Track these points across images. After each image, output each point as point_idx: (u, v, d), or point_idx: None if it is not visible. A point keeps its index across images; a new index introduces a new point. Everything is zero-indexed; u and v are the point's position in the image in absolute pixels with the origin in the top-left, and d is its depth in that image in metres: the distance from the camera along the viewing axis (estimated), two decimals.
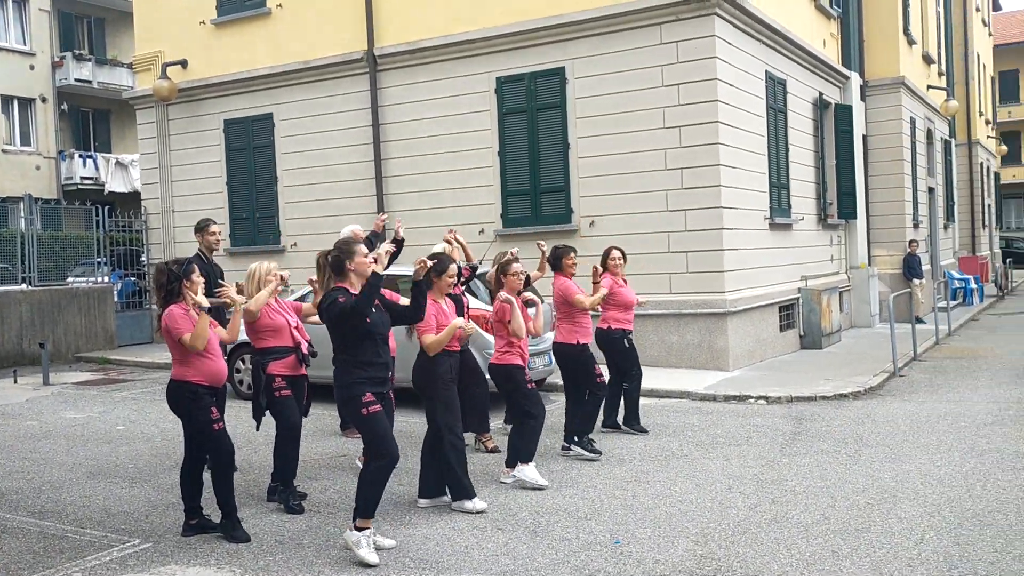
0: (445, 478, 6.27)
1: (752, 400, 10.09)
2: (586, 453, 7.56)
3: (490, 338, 7.95)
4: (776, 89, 13.93)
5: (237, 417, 9.59)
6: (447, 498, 6.30)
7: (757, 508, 6.05)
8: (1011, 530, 5.41)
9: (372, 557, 5.15)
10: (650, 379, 10.92)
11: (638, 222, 12.21)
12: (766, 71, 13.50)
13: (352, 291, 5.30)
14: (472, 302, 8.61)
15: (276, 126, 15.24)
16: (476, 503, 6.16)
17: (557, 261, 7.87)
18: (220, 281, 7.24)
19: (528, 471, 6.77)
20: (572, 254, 7.90)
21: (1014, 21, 48.97)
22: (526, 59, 12.95)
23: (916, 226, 19.81)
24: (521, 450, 6.83)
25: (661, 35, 12.01)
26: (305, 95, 14.90)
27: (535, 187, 12.97)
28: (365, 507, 5.31)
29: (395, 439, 5.41)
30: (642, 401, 9.79)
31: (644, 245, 11.90)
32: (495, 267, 7.11)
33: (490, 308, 7.59)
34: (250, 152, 15.57)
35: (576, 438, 7.64)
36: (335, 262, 5.42)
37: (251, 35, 15.50)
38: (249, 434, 8.36)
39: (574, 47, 12.61)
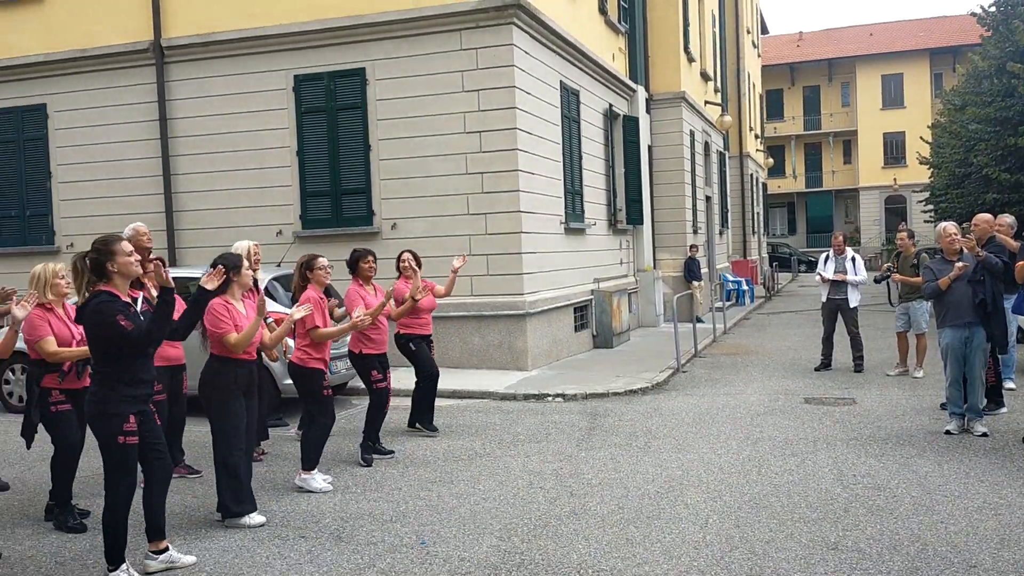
0: (218, 494, 5.98)
1: (550, 398, 10.44)
2: (361, 462, 7.46)
3: (290, 342, 7.77)
4: (570, 99, 14.49)
5: (6, 432, 8.82)
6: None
7: (557, 502, 6.27)
8: (783, 511, 5.92)
9: None
10: (453, 380, 11.07)
11: (440, 225, 12.32)
12: (561, 81, 14.02)
13: (118, 294, 4.84)
14: (271, 305, 8.35)
15: (50, 118, 14.09)
16: (253, 518, 5.92)
17: (353, 264, 7.76)
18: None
19: (311, 480, 6.69)
20: (370, 258, 7.76)
21: (779, 44, 53.68)
22: (325, 58, 12.73)
23: (695, 232, 21.26)
24: (303, 457, 6.74)
25: (461, 41, 12.18)
26: (84, 85, 13.89)
27: (335, 188, 12.78)
28: (156, 526, 5.05)
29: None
30: (447, 402, 9.90)
31: (445, 248, 12.01)
32: (299, 265, 6.98)
33: (289, 311, 7.41)
34: (20, 145, 14.31)
35: (362, 445, 7.59)
36: (95, 264, 4.84)
37: (21, 19, 14.24)
38: (22, 450, 7.68)
39: (375, 48, 12.53)
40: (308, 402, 6.87)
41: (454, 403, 10.23)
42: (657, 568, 4.94)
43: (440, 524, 5.83)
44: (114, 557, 4.87)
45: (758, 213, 35.47)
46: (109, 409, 4.79)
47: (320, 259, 6.93)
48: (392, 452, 7.78)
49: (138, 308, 4.97)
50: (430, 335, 8.65)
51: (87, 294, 4.87)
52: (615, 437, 8.33)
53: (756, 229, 34.37)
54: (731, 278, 24.31)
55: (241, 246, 7.39)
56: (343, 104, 12.68)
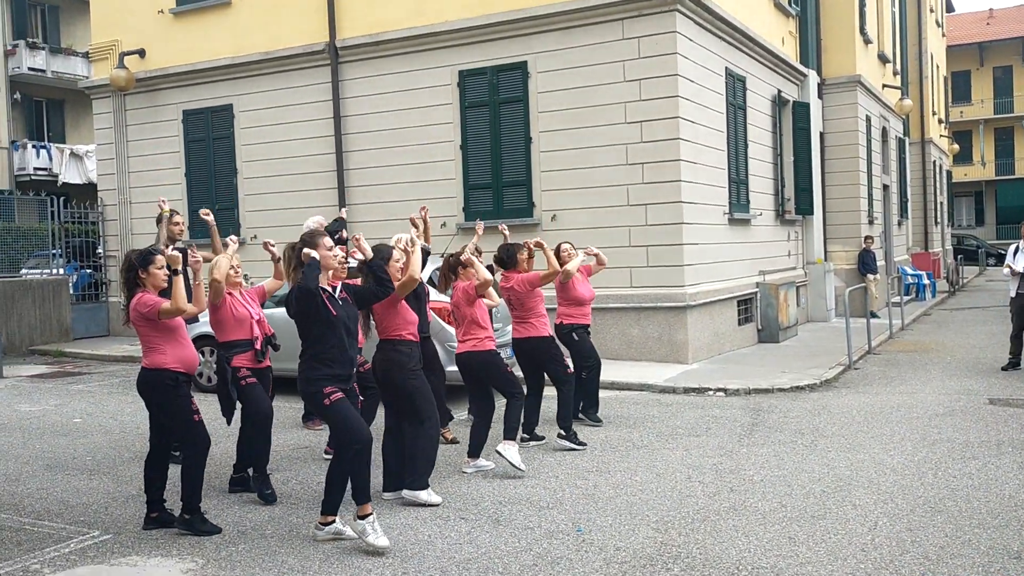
0: (409, 467, 6.23)
1: (711, 392, 10.23)
2: (571, 444, 7.62)
3: (451, 330, 7.98)
4: (736, 86, 14.10)
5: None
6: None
7: (716, 497, 6.15)
8: (960, 516, 5.57)
9: (382, 541, 5.17)
10: (611, 372, 11.03)
11: (599, 216, 12.30)
12: (726, 68, 13.66)
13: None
14: (432, 293, 8.60)
15: (236, 117, 15.09)
16: (432, 495, 6.16)
17: (511, 259, 7.82)
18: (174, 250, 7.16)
19: (511, 451, 6.85)
20: (525, 251, 7.90)
21: (967, 23, 50.06)
22: (488, 53, 12.96)
23: (871, 222, 20.20)
24: (506, 428, 6.93)
25: (623, 30, 12.10)
26: (266, 86, 14.78)
27: (497, 181, 13.00)
28: (332, 501, 5.32)
29: (364, 423, 5.41)
30: (604, 393, 9.87)
31: (605, 239, 11.96)
32: (446, 261, 7.17)
33: (448, 300, 7.63)
34: (209, 143, 15.41)
35: (562, 431, 7.70)
36: (300, 255, 5.36)
37: (211, 25, 15.33)
38: (211, 426, 8.29)
39: (536, 41, 12.64)
40: (497, 382, 7.02)
41: (612, 394, 10.21)
42: (821, 569, 4.76)
43: (596, 513, 5.84)
44: (331, 508, 5.34)
45: (942, 203, 33.30)
46: (310, 387, 5.31)
47: (465, 258, 7.10)
48: (543, 438, 7.89)
49: (335, 295, 5.41)
50: (589, 325, 8.68)
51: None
52: (779, 434, 8.08)
53: (939, 220, 32.28)
54: (910, 271, 22.97)
55: (401, 239, 7.63)
56: (505, 97, 12.87)
